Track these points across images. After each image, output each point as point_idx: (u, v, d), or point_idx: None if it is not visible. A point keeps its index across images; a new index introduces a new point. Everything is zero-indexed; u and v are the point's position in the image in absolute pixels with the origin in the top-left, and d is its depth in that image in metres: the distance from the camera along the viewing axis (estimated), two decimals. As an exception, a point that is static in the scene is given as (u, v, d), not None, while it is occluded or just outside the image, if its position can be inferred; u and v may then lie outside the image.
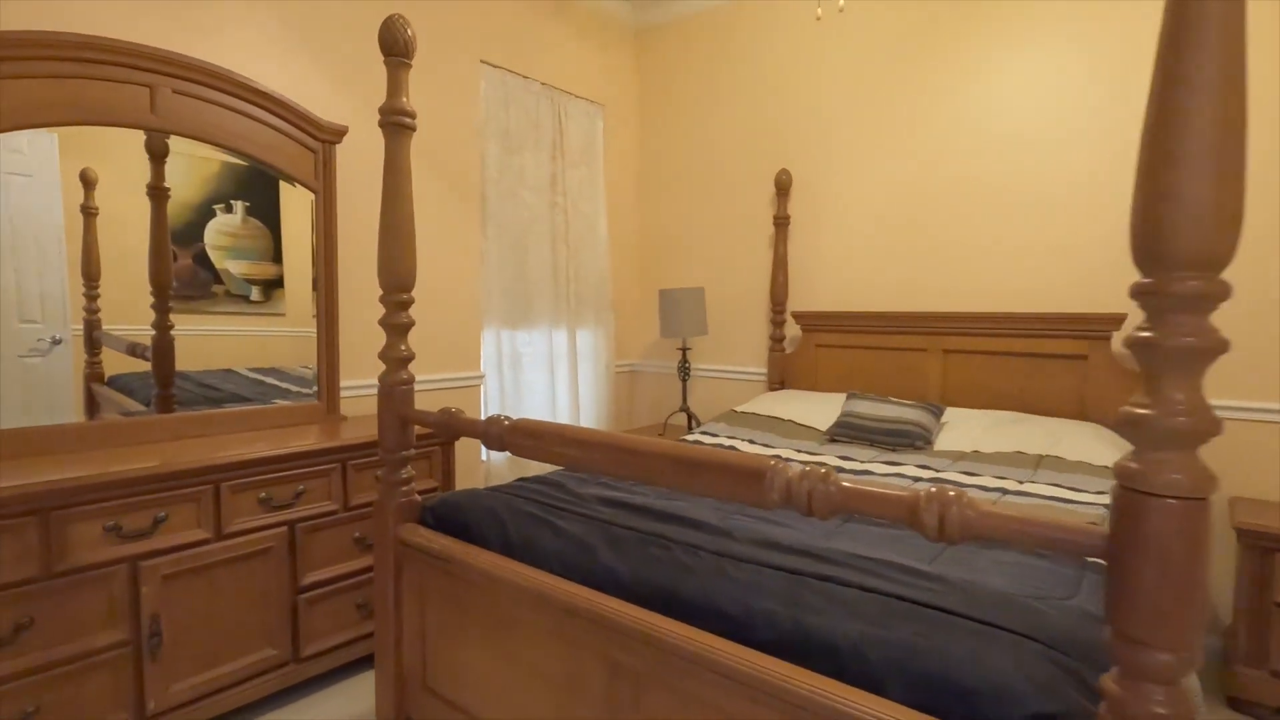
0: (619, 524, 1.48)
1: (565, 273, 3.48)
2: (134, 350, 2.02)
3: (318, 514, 2.09)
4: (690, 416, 3.44)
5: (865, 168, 3.08)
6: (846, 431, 2.49)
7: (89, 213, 1.91)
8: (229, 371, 2.22)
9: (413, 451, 1.69)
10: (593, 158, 3.65)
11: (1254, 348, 2.26)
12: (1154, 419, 0.70)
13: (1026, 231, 2.68)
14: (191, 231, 2.11)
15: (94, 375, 1.94)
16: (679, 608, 1.20)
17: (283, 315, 2.32)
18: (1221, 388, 2.29)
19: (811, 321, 3.17)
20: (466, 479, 3.04)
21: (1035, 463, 2.07)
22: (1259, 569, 1.96)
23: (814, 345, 3.17)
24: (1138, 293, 0.74)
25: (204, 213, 2.12)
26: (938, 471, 2.07)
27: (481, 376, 3.15)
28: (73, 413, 1.91)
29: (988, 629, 1.01)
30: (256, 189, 2.22)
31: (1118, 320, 2.41)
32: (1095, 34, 2.51)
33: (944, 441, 2.37)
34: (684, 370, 3.40)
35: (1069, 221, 2.59)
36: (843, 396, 2.83)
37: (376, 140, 2.62)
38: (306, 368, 2.42)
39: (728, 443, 2.48)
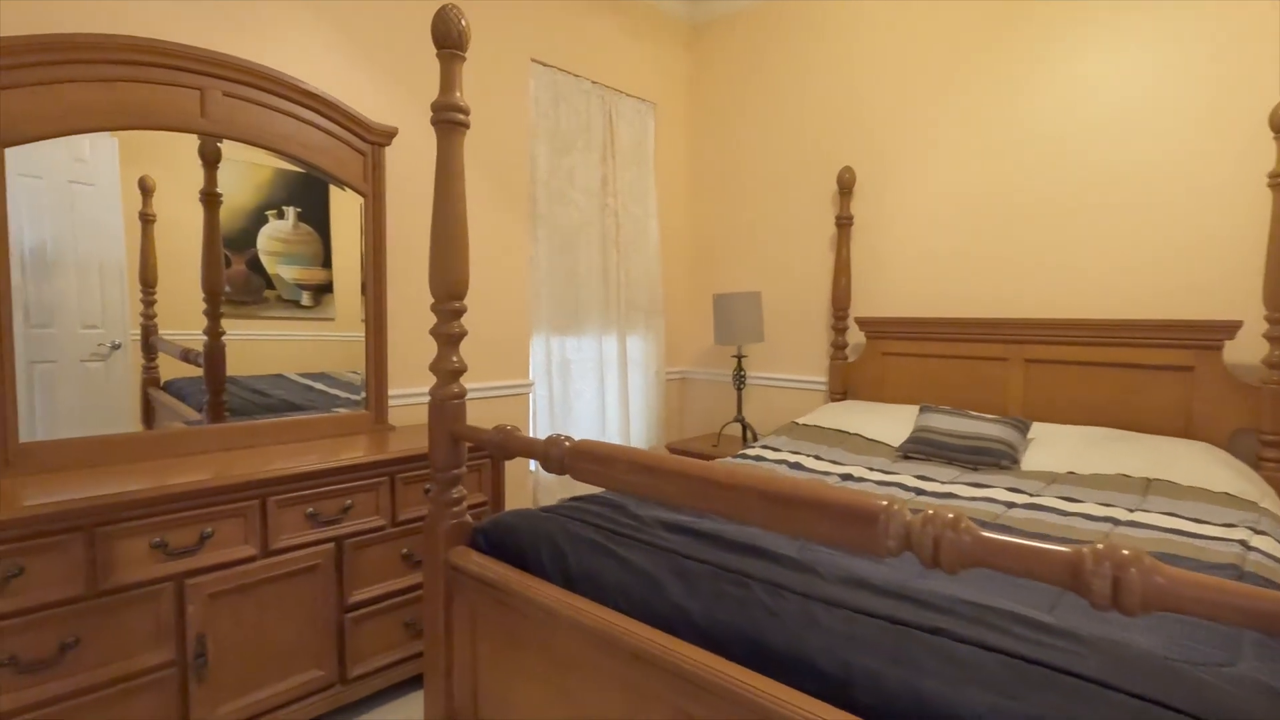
0: (688, 555, 1.34)
1: (615, 277, 3.37)
2: (186, 356, 2.01)
3: (365, 529, 2.01)
4: (745, 427, 3.28)
5: (936, 163, 2.88)
6: (922, 448, 2.30)
7: (146, 219, 1.91)
8: (279, 376, 2.19)
9: (464, 469, 1.59)
10: (643, 158, 3.53)
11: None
12: None
13: (1123, 231, 2.45)
14: (245, 237, 2.09)
15: (150, 380, 1.94)
16: (762, 658, 1.06)
17: (332, 320, 2.29)
18: (1356, 404, 2.04)
19: (877, 328, 2.98)
20: (515, 491, 2.95)
21: (1143, 488, 1.86)
22: None
23: (880, 354, 2.99)
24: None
25: (257, 218, 2.11)
26: (1032, 496, 1.87)
27: (530, 385, 3.05)
28: (130, 416, 1.91)
29: (1145, 706, 0.84)
30: (307, 194, 2.20)
31: (1232, 328, 2.17)
32: (1200, 9, 2.27)
33: (1033, 461, 2.17)
34: (739, 379, 3.25)
35: (1171, 219, 2.36)
36: (914, 409, 2.64)
37: (424, 142, 2.55)
38: (354, 373, 2.37)
39: (792, 459, 2.32)
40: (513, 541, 1.52)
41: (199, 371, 2.03)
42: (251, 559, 1.79)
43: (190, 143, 1.97)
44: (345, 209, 2.30)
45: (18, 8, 1.73)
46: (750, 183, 3.54)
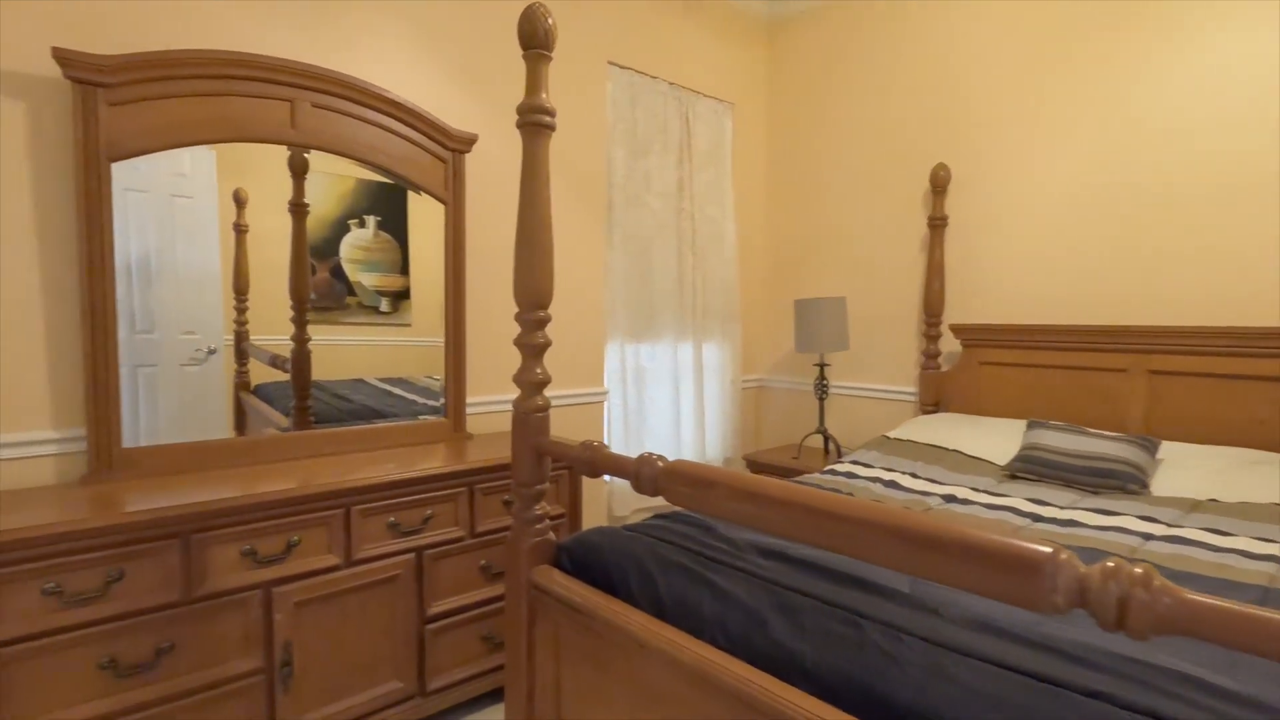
0: (789, 586, 1.24)
1: (691, 282, 3.28)
2: (275, 362, 2.06)
3: (445, 540, 1.99)
4: (828, 439, 3.12)
5: (1044, 158, 2.66)
6: (1032, 468, 2.11)
7: (240, 230, 1.97)
8: (359, 381, 2.23)
9: (547, 485, 1.53)
10: (720, 159, 3.43)
11: None
12: None
13: (1260, 230, 2.18)
14: (329, 246, 2.13)
15: (242, 384, 2.00)
16: (881, 712, 0.94)
17: (409, 325, 2.32)
18: None
19: (975, 336, 2.78)
20: (588, 503, 2.89)
21: (1306, 520, 1.63)
22: None
23: (977, 363, 2.78)
24: None
25: (340, 228, 2.15)
26: (1170, 526, 1.67)
27: (605, 393, 2.99)
28: (223, 419, 1.96)
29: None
30: (387, 204, 2.23)
31: None
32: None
33: (1165, 484, 1.95)
34: (821, 388, 3.10)
35: (1328, 213, 2.08)
36: (1019, 424, 2.43)
37: (499, 148, 2.54)
38: (430, 378, 2.38)
39: (885, 476, 2.17)
40: (598, 563, 1.44)
41: (286, 376, 2.07)
42: (335, 568, 1.78)
43: (279, 156, 2.02)
44: (422, 217, 2.32)
45: (120, 27, 1.79)
46: (833, 183, 3.38)
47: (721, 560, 1.38)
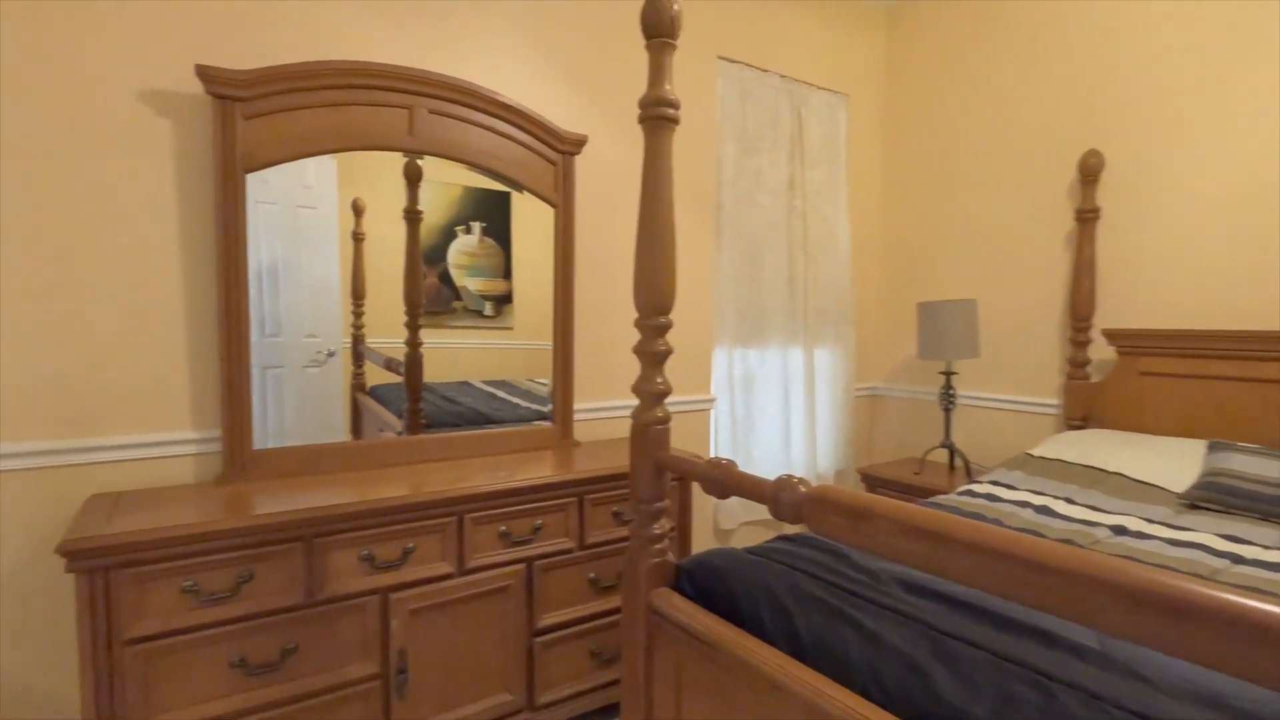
0: (951, 632, 1.08)
1: (803, 284, 3.11)
2: (389, 365, 2.10)
3: (555, 551, 1.94)
4: (954, 454, 2.87)
5: (1216, 145, 2.32)
6: (1218, 496, 1.81)
7: (357, 238, 2.02)
8: (465, 384, 2.25)
9: (667, 502, 1.44)
10: (834, 154, 3.24)
11: None
12: None
13: None
14: (437, 252, 2.17)
15: (358, 385, 2.05)
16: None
17: (511, 329, 2.34)
18: None
19: (1135, 342, 2.46)
20: (695, 516, 2.78)
21: None
22: None
23: (1136, 373, 2.46)
24: None
25: (447, 234, 2.19)
26: None
27: (712, 400, 2.88)
28: (341, 418, 2.02)
29: None
30: (491, 210, 2.26)
31: None
32: None
33: (1400, 524, 1.61)
34: (947, 398, 2.85)
35: None
36: (1196, 445, 2.12)
37: (603, 149, 2.48)
38: (534, 381, 2.38)
39: (1034, 500, 1.93)
40: (722, 590, 1.33)
41: (399, 379, 2.11)
42: (448, 576, 1.77)
43: (392, 166, 2.06)
44: (525, 222, 2.32)
45: (250, 43, 1.86)
46: (960, 177, 3.11)
47: (862, 594, 1.23)
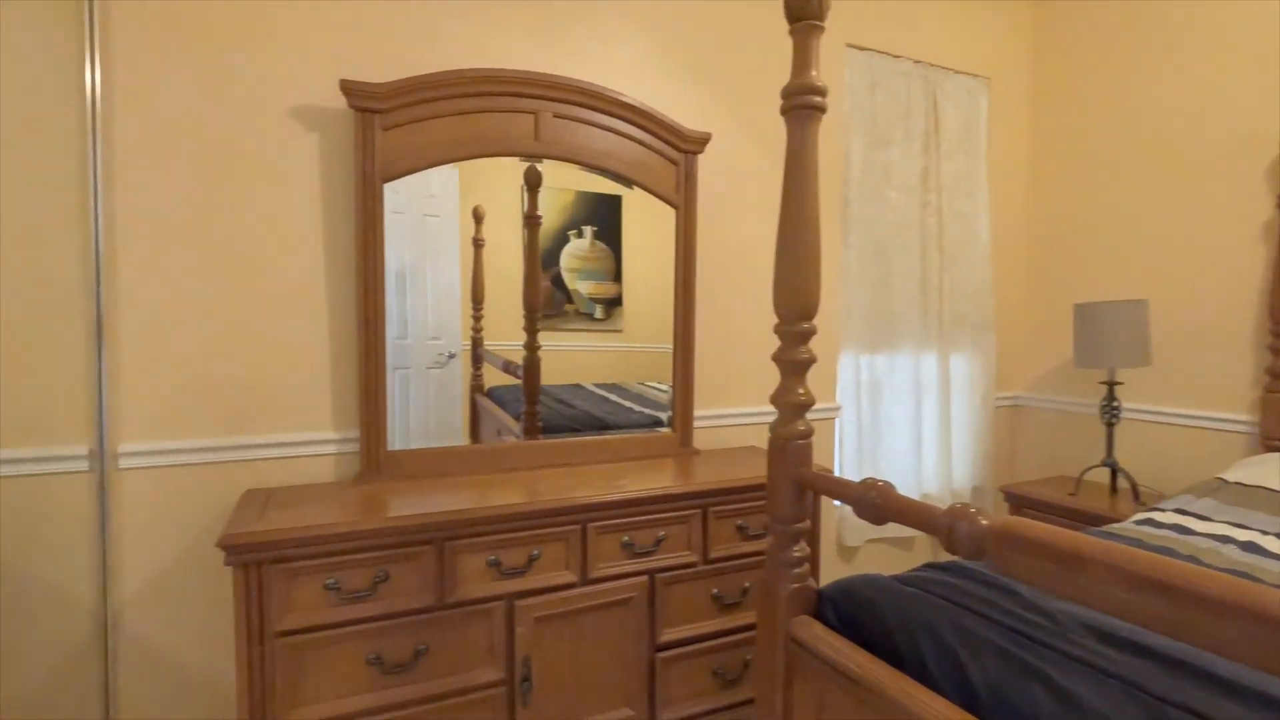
0: (1167, 698, 0.91)
1: (937, 285, 2.88)
2: (508, 368, 2.13)
3: (677, 565, 1.87)
4: (1117, 474, 2.55)
5: None
6: None
7: (478, 244, 2.05)
8: (578, 386, 2.25)
9: (808, 523, 1.33)
10: (973, 144, 2.98)
11: None
12: None
13: None
14: (550, 256, 2.19)
15: (477, 386, 2.09)
16: None
17: (620, 331, 2.32)
18: None
19: (1359, 350, 2.07)
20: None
21: None
22: None
23: (1360, 386, 2.07)
24: None
25: (560, 239, 2.20)
26: None
27: (837, 409, 2.72)
28: (460, 417, 2.06)
29: None
30: (602, 213, 2.25)
31: None
32: None
33: None
34: (1110, 411, 2.53)
35: None
36: None
37: (725, 146, 2.39)
38: (644, 385, 2.34)
39: (1239, 536, 1.65)
40: (873, 622, 1.21)
41: (516, 380, 2.14)
42: (572, 585, 1.74)
43: (510, 172, 2.07)
44: (635, 225, 2.29)
45: (383, 56, 1.91)
46: (1125, 164, 2.77)
47: (1046, 642, 1.07)
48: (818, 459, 2.63)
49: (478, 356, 2.08)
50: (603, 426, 2.23)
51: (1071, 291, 2.98)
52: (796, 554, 1.31)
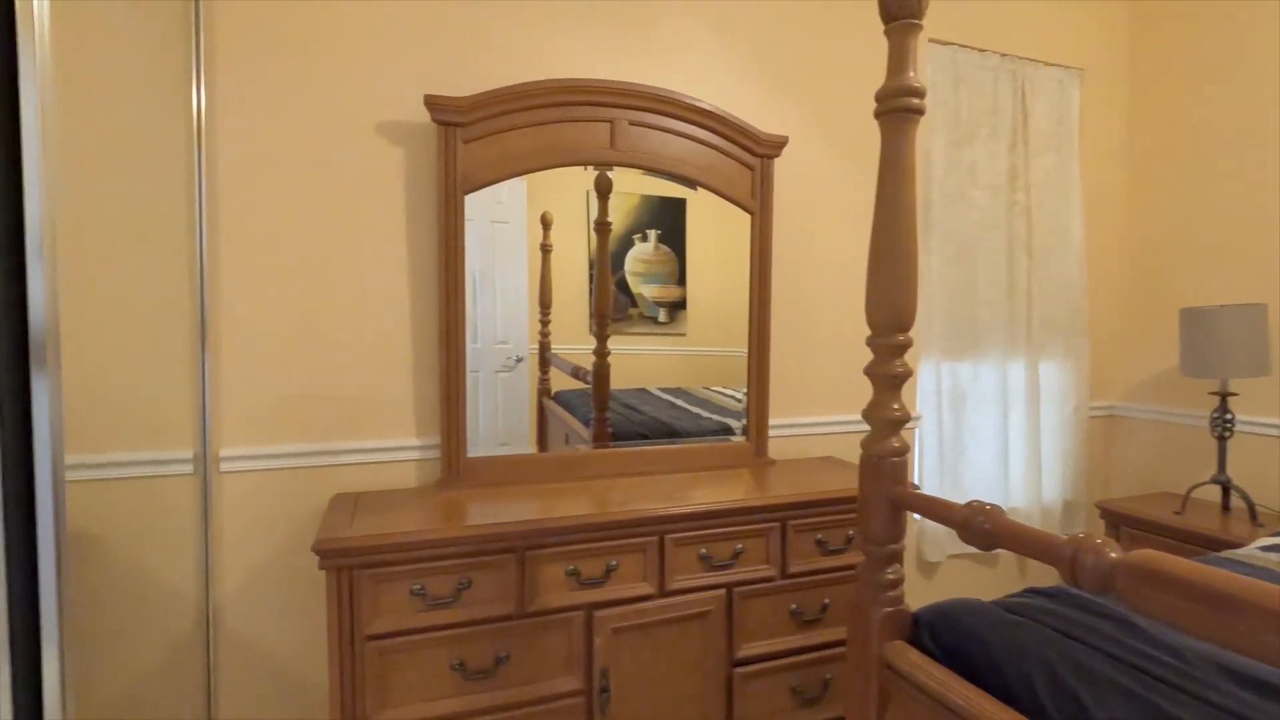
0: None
1: (1025, 289, 2.73)
2: (576, 373, 2.14)
3: (755, 579, 1.83)
4: (1229, 492, 2.36)
5: None
6: None
7: (545, 250, 2.07)
8: (643, 391, 2.25)
9: (903, 545, 1.27)
10: (1065, 140, 2.82)
11: None
12: None
13: None
14: (615, 260, 2.19)
15: (544, 390, 2.10)
16: None
17: (684, 335, 2.30)
18: None
19: None
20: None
21: None
22: None
23: None
24: None
25: (625, 243, 2.20)
26: None
27: (918, 418, 2.61)
28: (527, 421, 2.08)
29: None
30: (665, 218, 2.23)
31: None
32: None
33: None
34: (1222, 424, 2.35)
35: None
36: None
37: (801, 150, 2.33)
38: (712, 390, 2.31)
39: (1386, 567, 1.50)
40: (976, 652, 1.15)
41: (583, 385, 2.14)
42: (649, 597, 1.72)
43: (576, 179, 2.08)
44: (699, 229, 2.26)
45: (464, 68, 1.94)
46: (1234, 158, 2.57)
47: (1176, 684, 0.99)
48: (897, 471, 2.53)
49: (545, 360, 2.09)
50: (671, 433, 2.21)
51: (1174, 294, 2.78)
52: (890, 576, 1.26)
